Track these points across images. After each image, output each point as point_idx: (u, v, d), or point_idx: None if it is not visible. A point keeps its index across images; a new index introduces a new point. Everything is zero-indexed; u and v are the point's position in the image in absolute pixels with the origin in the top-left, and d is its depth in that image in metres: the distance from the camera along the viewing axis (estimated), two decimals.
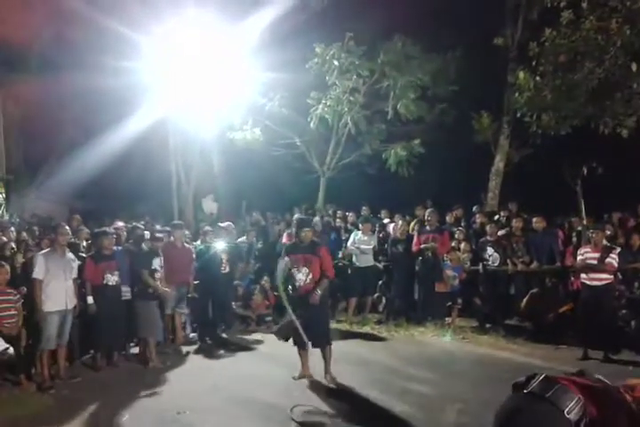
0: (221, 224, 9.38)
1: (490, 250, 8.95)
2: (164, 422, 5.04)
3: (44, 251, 6.61)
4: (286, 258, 6.19)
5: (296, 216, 10.20)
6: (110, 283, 6.87)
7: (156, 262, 7.38)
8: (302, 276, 6.09)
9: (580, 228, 9.01)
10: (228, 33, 11.10)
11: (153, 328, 7.07)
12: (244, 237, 10.23)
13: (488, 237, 9.06)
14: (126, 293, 7.16)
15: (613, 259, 7.10)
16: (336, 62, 11.27)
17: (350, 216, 11.30)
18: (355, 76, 11.45)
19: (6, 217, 11.89)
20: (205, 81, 11.60)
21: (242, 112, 12.04)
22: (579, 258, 7.37)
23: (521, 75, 9.99)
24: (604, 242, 7.33)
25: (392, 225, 10.15)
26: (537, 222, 8.96)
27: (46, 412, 5.44)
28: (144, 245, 7.66)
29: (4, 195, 13.28)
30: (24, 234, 9.00)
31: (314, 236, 6.41)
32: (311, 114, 11.52)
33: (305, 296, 6.04)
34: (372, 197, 12.01)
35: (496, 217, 10.37)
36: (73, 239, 7.41)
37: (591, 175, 9.74)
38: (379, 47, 11.63)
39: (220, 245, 8.56)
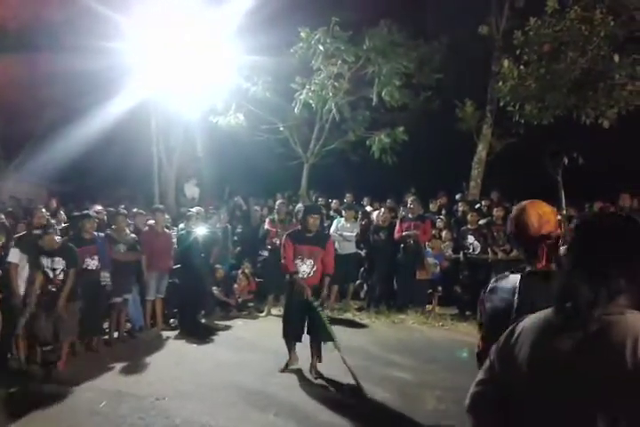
0: (191, 209, 9.18)
1: (471, 238, 9.02)
2: (143, 409, 5.02)
3: (19, 234, 6.50)
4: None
5: (279, 202, 10.19)
6: (90, 267, 6.76)
7: None
8: (306, 268, 6.02)
9: (559, 217, 9.11)
10: (211, 14, 10.91)
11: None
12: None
13: (469, 226, 9.13)
14: (105, 278, 7.06)
15: None
16: (321, 47, 11.15)
17: (333, 203, 11.28)
18: (340, 62, 11.34)
19: None
20: (188, 63, 11.40)
21: (225, 96, 11.89)
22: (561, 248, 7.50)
23: (505, 63, 10.02)
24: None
25: (375, 212, 10.17)
26: None
27: (24, 395, 5.41)
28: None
29: None
30: (1, 216, 8.83)
31: (322, 220, 6.26)
32: (295, 99, 11.42)
33: (305, 302, 5.93)
34: (355, 185, 12.01)
35: (477, 206, 10.44)
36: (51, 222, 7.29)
37: (572, 165, 9.83)
38: (364, 33, 11.53)
39: (200, 231, 8.46)
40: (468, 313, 8.61)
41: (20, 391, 5.53)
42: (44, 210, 6.99)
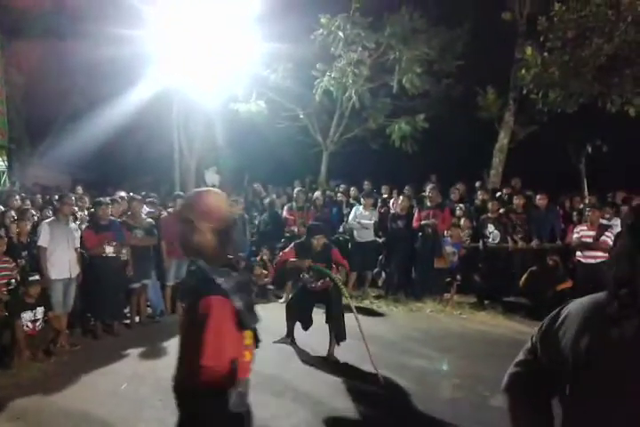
0: None
1: (490, 227, 8.94)
2: (162, 391, 5.10)
3: (48, 219, 6.63)
4: None
5: (297, 190, 10.21)
6: (109, 253, 6.88)
7: None
8: (314, 285, 6.13)
9: (581, 206, 9.01)
10: (232, 2, 10.90)
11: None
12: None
13: (489, 214, 9.04)
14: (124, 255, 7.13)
15: (608, 237, 7.20)
16: (341, 33, 11.08)
17: (352, 191, 11.27)
18: (360, 48, 11.27)
19: (8, 185, 11.90)
20: (209, 51, 11.44)
21: (246, 83, 11.90)
22: (574, 236, 7.50)
23: (528, 50, 9.85)
24: (601, 220, 7.42)
25: (393, 200, 10.14)
26: (540, 200, 8.97)
27: (46, 378, 5.53)
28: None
29: (6, 163, 13.27)
30: (27, 202, 9.01)
31: (326, 239, 6.29)
32: (315, 86, 11.38)
33: (318, 292, 6.10)
34: (374, 172, 11.96)
35: (498, 194, 10.35)
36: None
37: (596, 154, 9.69)
38: (385, 19, 11.43)
39: None
40: (486, 302, 8.59)
41: (42, 373, 5.67)
42: (73, 197, 7.11)
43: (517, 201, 9.03)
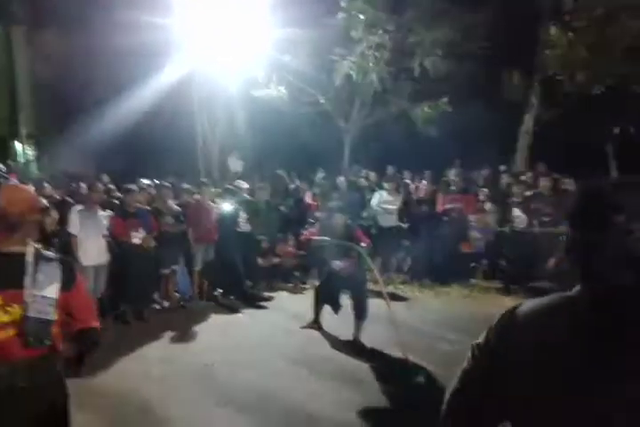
0: (239, 183, 9.31)
1: (517, 211, 8.85)
2: (192, 374, 5.23)
3: (77, 207, 6.74)
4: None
5: (320, 176, 10.21)
6: (136, 240, 6.99)
7: None
8: (339, 262, 6.14)
9: None
10: None
11: None
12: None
13: (515, 198, 8.96)
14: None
15: None
16: (361, 16, 10.97)
17: (372, 176, 11.22)
18: (381, 31, 11.16)
19: (37, 174, 12.08)
20: (229, 37, 11.43)
21: (265, 68, 11.88)
22: None
23: (553, 30, 9.67)
24: None
25: (414, 185, 10.09)
26: (567, 184, 8.83)
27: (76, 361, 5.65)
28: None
29: (35, 152, 13.47)
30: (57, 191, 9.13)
31: (346, 217, 6.32)
32: (336, 70, 11.31)
33: (344, 277, 6.12)
34: (397, 157, 11.89)
35: (523, 177, 10.23)
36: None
37: (624, 136, 9.52)
38: (406, 1, 11.27)
39: (239, 203, 8.57)
40: (512, 287, 8.55)
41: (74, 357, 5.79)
42: (100, 186, 7.22)
43: (545, 184, 8.88)
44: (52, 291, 2.22)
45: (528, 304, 1.31)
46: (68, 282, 2.29)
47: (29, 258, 2.23)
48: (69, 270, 2.34)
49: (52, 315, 2.20)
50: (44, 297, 2.19)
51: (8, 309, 2.13)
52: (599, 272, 1.17)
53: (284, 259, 9.19)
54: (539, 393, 1.18)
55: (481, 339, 1.37)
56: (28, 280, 2.17)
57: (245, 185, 9.27)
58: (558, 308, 1.25)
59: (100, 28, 11.56)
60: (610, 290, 1.16)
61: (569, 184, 8.83)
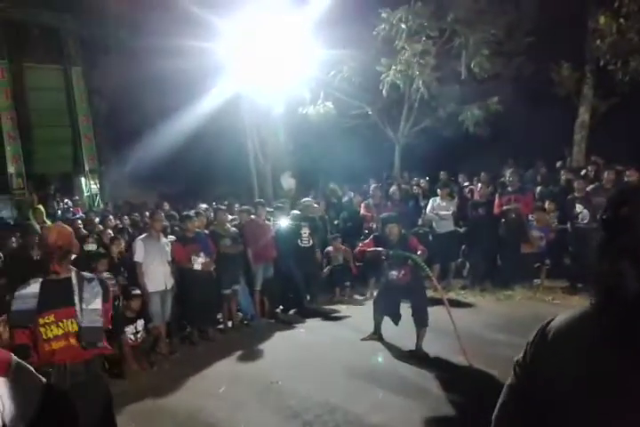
0: (305, 200, 9.50)
1: (579, 207, 8.51)
2: (259, 392, 5.33)
3: (142, 236, 7.04)
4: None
5: (373, 186, 10.21)
6: (197, 266, 7.18)
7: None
8: (395, 272, 6.17)
9: None
10: (296, 9, 11.09)
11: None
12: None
13: (576, 194, 8.64)
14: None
15: None
16: (404, 25, 11.00)
17: (422, 183, 11.13)
18: (424, 38, 11.14)
19: (102, 206, 12.69)
20: (276, 58, 11.71)
21: (312, 87, 12.06)
22: None
23: (602, 19, 9.37)
24: None
25: (470, 188, 9.94)
26: (630, 175, 8.46)
27: (151, 384, 5.88)
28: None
29: (98, 185, 14.15)
30: (125, 220, 9.56)
31: (399, 227, 6.33)
32: (382, 81, 11.35)
33: (402, 286, 6.15)
34: (449, 161, 11.76)
35: (583, 172, 9.88)
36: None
37: None
38: (446, 5, 11.21)
39: (291, 221, 8.73)
40: (579, 286, 8.23)
41: (148, 381, 6.03)
42: (162, 213, 7.50)
43: (608, 176, 8.51)
44: (97, 303, 2.90)
45: (560, 318, 1.31)
46: (106, 295, 2.97)
47: (74, 280, 2.87)
48: (106, 287, 3.02)
49: (100, 322, 2.90)
50: (92, 310, 2.87)
51: (60, 324, 2.81)
52: (630, 279, 1.13)
53: (335, 254, 9.20)
54: (574, 411, 1.18)
55: (521, 354, 1.38)
56: (76, 298, 2.84)
57: (315, 204, 9.42)
58: (588, 320, 1.23)
59: (149, 56, 12.00)
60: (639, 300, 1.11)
61: (633, 175, 8.46)
